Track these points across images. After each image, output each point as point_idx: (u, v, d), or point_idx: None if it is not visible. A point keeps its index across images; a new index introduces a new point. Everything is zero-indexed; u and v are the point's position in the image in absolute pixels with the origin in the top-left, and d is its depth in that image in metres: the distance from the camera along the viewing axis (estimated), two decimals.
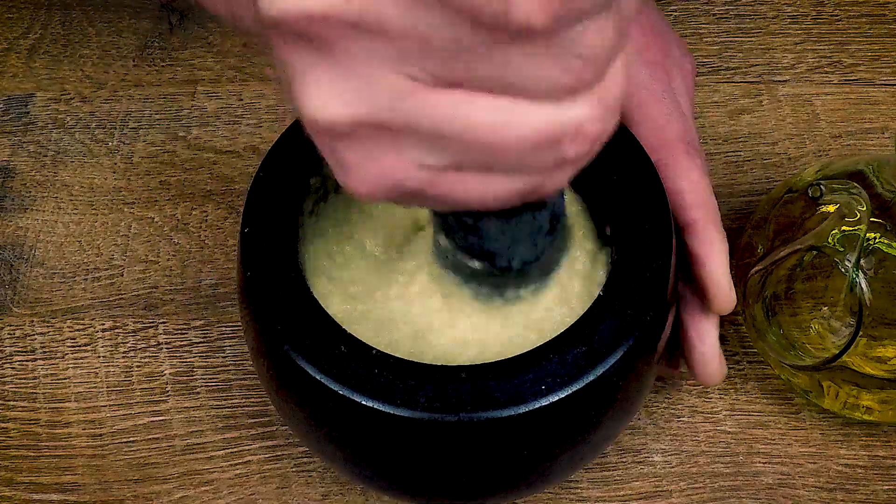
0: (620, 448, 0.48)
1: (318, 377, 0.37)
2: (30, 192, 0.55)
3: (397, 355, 0.37)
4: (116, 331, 0.51)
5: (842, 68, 0.59)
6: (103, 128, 0.57)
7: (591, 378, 0.37)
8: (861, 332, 0.43)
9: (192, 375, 0.50)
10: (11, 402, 0.50)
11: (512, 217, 0.36)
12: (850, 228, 0.43)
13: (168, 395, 0.50)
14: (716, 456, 0.48)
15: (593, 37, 0.26)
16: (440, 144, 0.28)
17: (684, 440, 0.48)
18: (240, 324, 0.51)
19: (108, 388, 0.50)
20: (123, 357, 0.50)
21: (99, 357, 0.50)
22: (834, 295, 0.47)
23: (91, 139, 0.57)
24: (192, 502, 0.47)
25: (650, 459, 0.48)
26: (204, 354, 0.51)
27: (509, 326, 0.40)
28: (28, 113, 0.58)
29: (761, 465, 0.48)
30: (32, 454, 0.48)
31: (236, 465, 0.48)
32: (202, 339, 0.51)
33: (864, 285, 0.44)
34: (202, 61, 0.59)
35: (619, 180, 0.41)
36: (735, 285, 0.45)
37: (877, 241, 0.44)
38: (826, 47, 0.60)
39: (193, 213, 0.54)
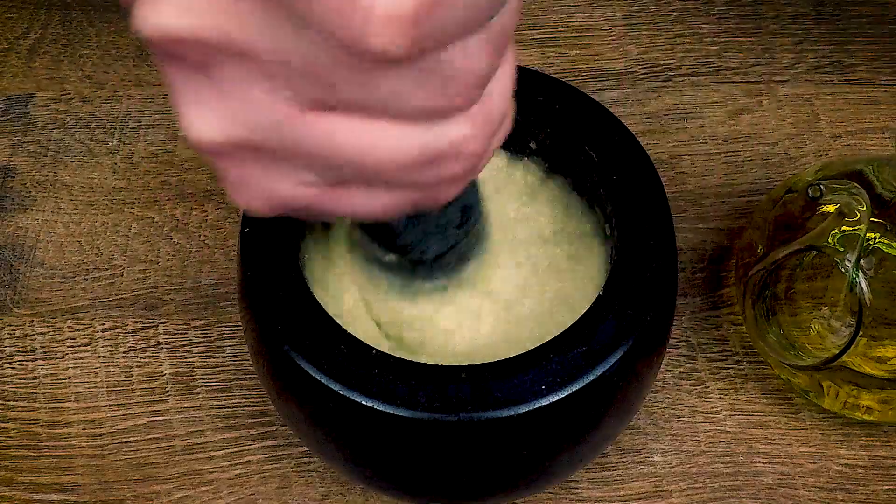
0: (620, 448, 0.48)
1: (318, 377, 0.37)
2: (30, 192, 0.55)
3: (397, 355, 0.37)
4: (116, 331, 0.51)
5: (842, 68, 0.59)
6: (103, 128, 0.57)
7: (591, 378, 0.37)
8: (861, 332, 0.43)
9: (192, 375, 0.50)
10: (11, 402, 0.50)
11: (420, 213, 0.36)
12: (850, 228, 0.43)
13: (168, 395, 0.50)
14: (716, 456, 0.48)
15: (463, 59, 0.26)
16: (319, 165, 0.28)
17: (684, 440, 0.48)
18: (240, 324, 0.51)
19: (108, 388, 0.50)
20: (123, 357, 0.50)
21: (99, 357, 0.50)
22: (834, 295, 0.47)
23: (91, 139, 0.57)
24: (192, 502, 0.47)
25: (650, 459, 0.48)
26: (204, 354, 0.51)
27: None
28: (28, 113, 0.58)
29: (761, 465, 0.48)
30: (32, 454, 0.48)
31: (236, 465, 0.48)
32: (202, 339, 0.51)
33: (864, 285, 0.44)
34: None
35: (619, 180, 0.41)
36: (735, 285, 0.45)
37: (877, 241, 0.44)
38: (826, 47, 0.60)
39: (193, 213, 0.54)
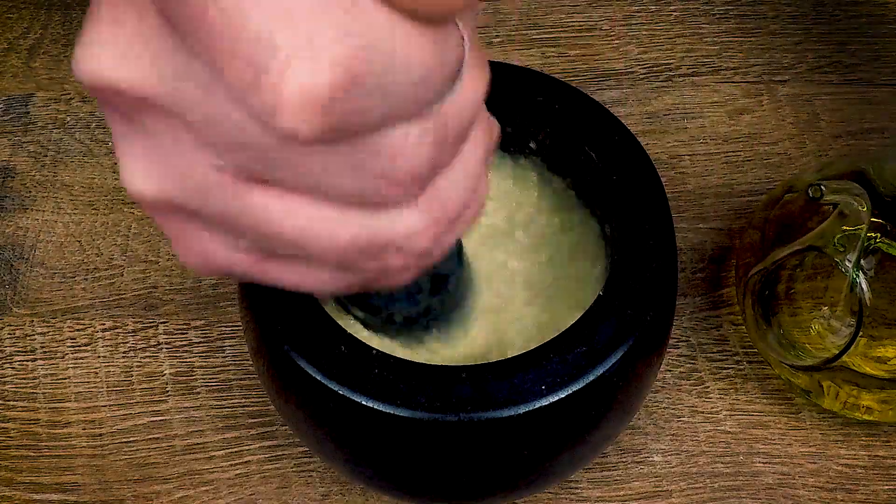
0: (620, 448, 0.48)
1: (318, 377, 0.37)
2: (30, 192, 0.55)
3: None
4: (116, 331, 0.51)
5: (842, 68, 0.59)
6: (103, 128, 0.57)
7: (591, 378, 0.37)
8: (861, 333, 0.43)
9: (192, 375, 0.50)
10: (11, 402, 0.50)
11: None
12: (851, 228, 0.43)
13: (168, 395, 0.50)
14: (716, 456, 0.48)
15: (397, 147, 0.25)
16: (252, 237, 0.27)
17: (684, 440, 0.48)
18: (240, 324, 0.51)
19: (108, 388, 0.50)
20: (123, 357, 0.50)
21: (99, 357, 0.50)
22: (834, 295, 0.47)
23: (91, 139, 0.57)
24: (192, 502, 0.47)
25: (650, 459, 0.48)
26: (204, 354, 0.51)
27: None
28: (28, 113, 0.58)
29: (761, 465, 0.48)
30: (32, 454, 0.48)
31: (236, 465, 0.48)
32: (202, 339, 0.51)
33: (864, 285, 0.44)
34: None
35: (619, 180, 0.41)
36: (735, 285, 0.45)
37: (877, 241, 0.44)
38: (826, 47, 0.60)
39: None
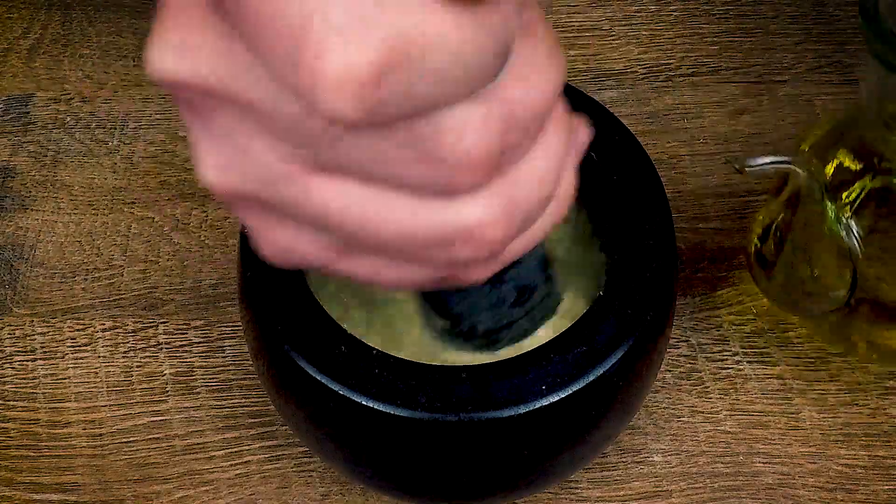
0: (620, 448, 0.48)
1: (318, 377, 0.37)
2: (30, 192, 0.55)
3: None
4: (116, 331, 0.51)
5: (842, 68, 0.59)
6: (103, 128, 0.57)
7: (591, 378, 0.37)
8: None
9: (192, 375, 0.50)
10: (11, 402, 0.50)
11: (464, 286, 0.35)
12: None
13: (168, 395, 0.50)
14: (716, 456, 0.48)
15: (459, 130, 0.25)
16: (322, 228, 0.27)
17: (684, 440, 0.48)
18: (240, 324, 0.51)
19: (108, 388, 0.50)
20: (123, 357, 0.50)
21: (99, 357, 0.50)
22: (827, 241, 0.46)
23: (91, 139, 0.57)
24: (192, 502, 0.47)
25: (650, 459, 0.48)
26: (204, 354, 0.51)
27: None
28: (28, 113, 0.58)
29: (761, 465, 0.48)
30: (32, 454, 0.48)
31: (236, 465, 0.48)
32: (202, 339, 0.51)
33: (854, 229, 0.43)
34: None
35: (619, 181, 0.41)
36: (748, 269, 0.44)
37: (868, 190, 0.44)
38: (826, 47, 0.60)
39: (193, 213, 0.54)
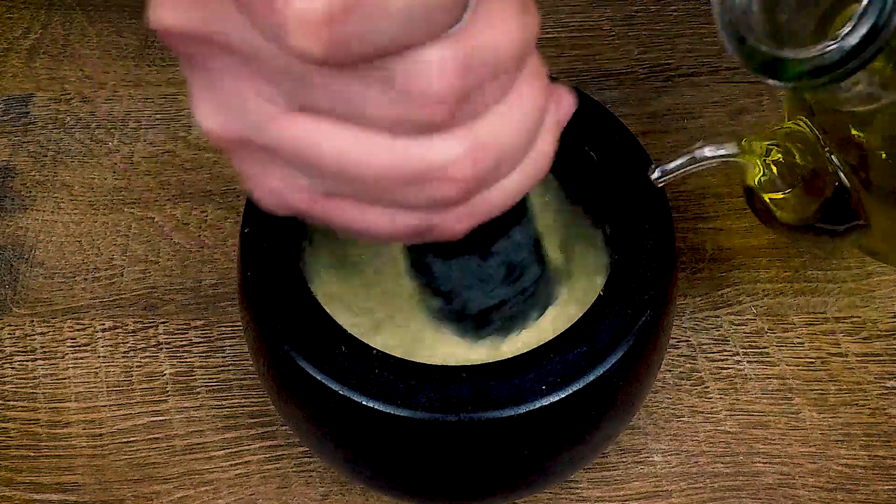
0: (620, 448, 0.48)
1: (318, 377, 0.37)
2: (30, 192, 0.55)
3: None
4: (116, 331, 0.51)
5: None
6: (103, 128, 0.57)
7: (591, 378, 0.37)
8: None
9: (192, 375, 0.50)
10: (11, 402, 0.50)
11: (451, 257, 0.36)
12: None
13: (168, 395, 0.50)
14: (716, 456, 0.48)
15: (425, 68, 0.26)
16: (306, 170, 0.28)
17: (684, 440, 0.48)
18: (240, 324, 0.51)
19: (108, 388, 0.50)
20: (123, 357, 0.50)
21: (99, 357, 0.50)
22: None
23: (91, 139, 0.57)
24: (192, 502, 0.47)
25: (650, 459, 0.48)
26: (204, 354, 0.51)
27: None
28: (28, 113, 0.58)
29: (761, 465, 0.48)
30: (32, 454, 0.48)
31: (236, 465, 0.48)
32: (202, 339, 0.51)
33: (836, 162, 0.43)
34: None
35: (619, 180, 0.41)
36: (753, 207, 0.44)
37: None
38: None
39: (193, 213, 0.54)
